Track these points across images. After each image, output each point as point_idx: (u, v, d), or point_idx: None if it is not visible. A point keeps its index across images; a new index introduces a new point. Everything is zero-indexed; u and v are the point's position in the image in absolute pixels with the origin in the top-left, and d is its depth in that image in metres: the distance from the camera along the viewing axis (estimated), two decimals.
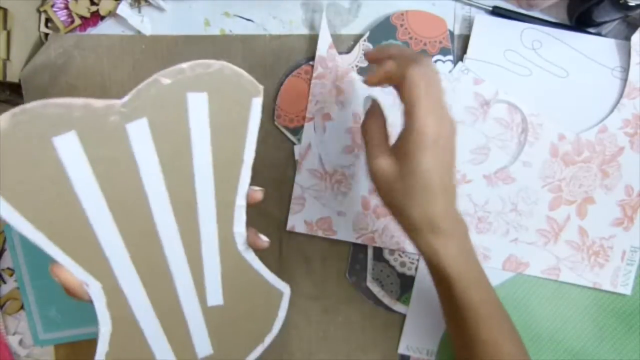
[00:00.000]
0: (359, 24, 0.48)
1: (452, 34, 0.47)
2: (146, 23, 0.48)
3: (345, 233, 0.48)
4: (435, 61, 0.47)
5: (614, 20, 0.45)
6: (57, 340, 0.50)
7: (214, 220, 0.34)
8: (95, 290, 0.31)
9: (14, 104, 0.49)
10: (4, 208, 0.27)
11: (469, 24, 0.47)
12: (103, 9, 0.48)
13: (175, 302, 0.34)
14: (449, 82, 0.47)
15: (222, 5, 0.48)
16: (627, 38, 0.45)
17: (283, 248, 0.49)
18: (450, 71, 0.47)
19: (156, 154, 0.30)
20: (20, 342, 0.51)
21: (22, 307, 0.51)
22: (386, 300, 0.49)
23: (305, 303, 0.50)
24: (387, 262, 0.48)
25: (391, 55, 0.35)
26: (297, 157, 0.48)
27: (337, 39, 0.48)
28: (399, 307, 0.49)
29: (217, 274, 0.35)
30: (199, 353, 0.36)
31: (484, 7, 0.47)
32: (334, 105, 0.47)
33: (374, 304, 0.49)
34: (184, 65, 0.30)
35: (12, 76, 0.47)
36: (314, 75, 0.47)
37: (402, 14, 0.47)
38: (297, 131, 0.48)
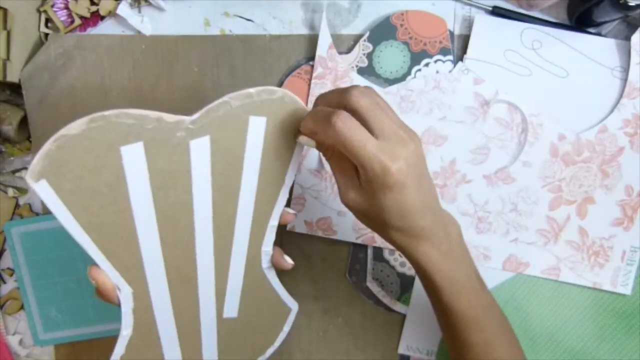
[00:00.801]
0: (359, 24, 0.48)
1: (452, 34, 0.47)
2: (146, 23, 0.48)
3: (345, 233, 0.48)
4: (435, 61, 0.47)
5: (614, 20, 0.45)
6: (57, 340, 0.50)
7: (247, 238, 0.35)
8: (126, 296, 0.31)
9: (14, 104, 0.49)
10: (59, 209, 0.27)
11: (469, 24, 0.47)
12: (103, 9, 0.48)
13: (194, 311, 0.34)
14: (449, 82, 0.47)
15: (222, 5, 0.48)
16: (627, 38, 0.45)
17: (283, 248, 0.49)
18: (450, 71, 0.47)
19: (210, 170, 0.31)
20: (20, 342, 0.51)
21: (22, 307, 0.51)
22: (386, 300, 0.49)
23: (305, 303, 0.50)
24: (387, 262, 0.48)
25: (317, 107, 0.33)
26: None
27: (337, 39, 0.48)
28: (399, 307, 0.49)
29: (238, 288, 0.36)
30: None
31: (484, 7, 0.47)
32: None
33: (374, 304, 0.49)
34: (252, 90, 0.31)
35: (12, 76, 0.47)
36: (314, 75, 0.47)
37: (402, 14, 0.47)
38: None
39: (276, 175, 0.34)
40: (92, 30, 0.49)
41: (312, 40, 0.48)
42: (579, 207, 0.47)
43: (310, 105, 0.48)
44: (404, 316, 0.49)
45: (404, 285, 0.48)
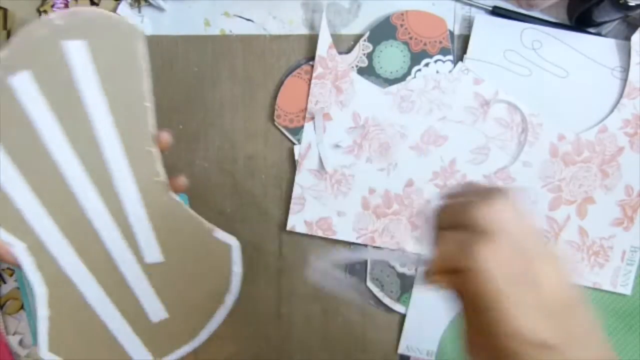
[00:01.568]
0: (359, 24, 0.48)
1: (452, 34, 0.47)
2: (146, 23, 0.48)
3: (345, 233, 0.48)
4: (436, 61, 0.47)
5: (614, 20, 0.45)
6: None
7: (126, 168, 0.33)
8: (21, 250, 0.31)
9: None
10: None
11: (469, 24, 0.47)
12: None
13: (108, 260, 0.34)
14: (449, 82, 0.47)
15: (222, 5, 0.48)
16: (627, 38, 0.45)
17: (283, 248, 0.49)
18: (450, 71, 0.47)
19: (47, 106, 0.30)
20: (20, 342, 0.51)
21: (22, 307, 0.51)
22: (386, 300, 0.49)
23: (305, 303, 0.50)
24: (387, 262, 0.48)
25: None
26: (297, 157, 0.48)
27: (337, 39, 0.48)
28: (399, 307, 0.49)
29: (146, 227, 0.34)
30: (152, 317, 0.35)
31: (484, 7, 0.47)
32: (334, 105, 0.47)
33: (374, 304, 0.49)
34: (52, 15, 0.30)
35: None
36: (314, 75, 0.47)
37: (402, 14, 0.47)
38: (297, 131, 0.48)
39: (131, 97, 0.32)
40: None
41: (312, 40, 0.48)
42: (579, 207, 0.47)
43: (310, 103, 0.47)
44: (404, 316, 0.49)
45: (404, 285, 0.48)
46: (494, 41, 0.46)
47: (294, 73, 0.48)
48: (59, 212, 0.32)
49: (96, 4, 0.48)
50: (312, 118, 0.48)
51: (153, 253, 0.35)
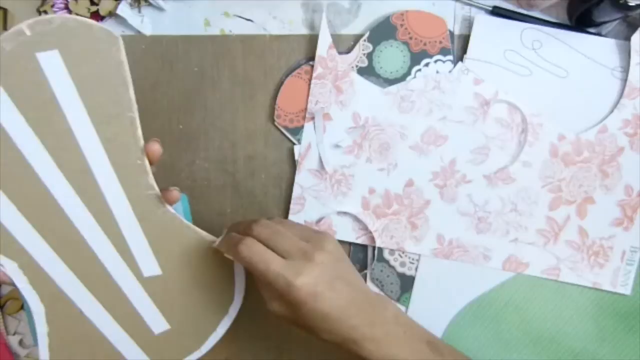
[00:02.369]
0: (359, 24, 0.48)
1: (452, 34, 0.47)
2: (146, 23, 0.48)
3: (345, 233, 0.48)
4: (435, 61, 0.47)
5: (614, 20, 0.45)
6: None
7: (115, 183, 0.32)
8: (13, 270, 0.30)
9: None
10: None
11: (469, 24, 0.47)
12: (103, 9, 0.48)
13: (104, 275, 0.33)
14: (449, 82, 0.47)
15: (222, 5, 0.48)
16: (627, 38, 0.45)
17: None
18: (450, 71, 0.47)
19: (25, 122, 0.29)
20: (20, 342, 0.51)
21: (22, 307, 0.51)
22: None
23: None
24: (387, 262, 0.48)
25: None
26: (297, 157, 0.48)
27: (337, 39, 0.48)
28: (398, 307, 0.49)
29: (141, 241, 0.34)
30: (153, 329, 0.35)
31: (484, 7, 0.47)
32: (334, 105, 0.47)
33: None
34: (23, 25, 0.28)
35: None
36: (314, 75, 0.47)
37: (402, 14, 0.47)
38: (297, 131, 0.48)
39: (114, 108, 0.31)
40: None
41: (312, 40, 0.48)
42: (579, 207, 0.47)
43: (312, 103, 0.48)
44: None
45: (404, 285, 0.48)
46: (494, 41, 0.46)
47: (294, 73, 0.48)
48: (48, 230, 0.31)
49: (96, 4, 0.48)
50: (312, 118, 0.48)
51: (150, 266, 0.35)
